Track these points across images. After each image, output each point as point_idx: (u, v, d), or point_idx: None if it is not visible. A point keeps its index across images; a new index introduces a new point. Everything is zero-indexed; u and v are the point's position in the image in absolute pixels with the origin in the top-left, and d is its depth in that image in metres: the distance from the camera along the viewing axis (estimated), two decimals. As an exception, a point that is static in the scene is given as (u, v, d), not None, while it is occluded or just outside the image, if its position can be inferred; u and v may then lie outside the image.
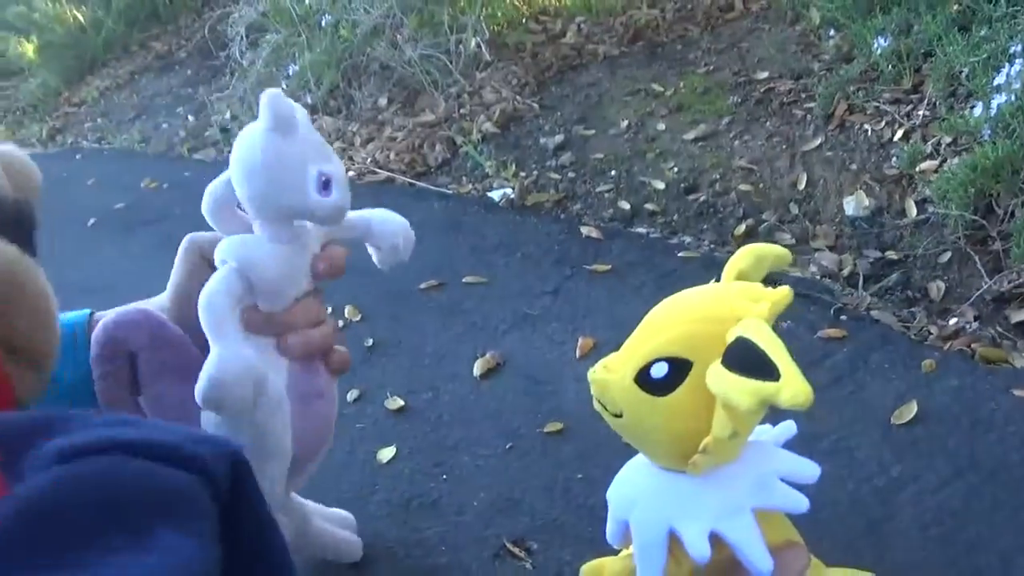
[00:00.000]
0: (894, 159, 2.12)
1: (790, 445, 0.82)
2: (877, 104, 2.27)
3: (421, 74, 3.03)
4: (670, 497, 0.73)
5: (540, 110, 2.83)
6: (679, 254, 2.05)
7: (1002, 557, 1.21)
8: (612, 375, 0.71)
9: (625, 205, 2.33)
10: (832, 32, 2.61)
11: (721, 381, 0.64)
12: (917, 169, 2.03)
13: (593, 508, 1.38)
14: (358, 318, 2.01)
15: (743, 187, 2.26)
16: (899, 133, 2.16)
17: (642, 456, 0.77)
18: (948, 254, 1.86)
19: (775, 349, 0.62)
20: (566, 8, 3.35)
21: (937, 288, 1.81)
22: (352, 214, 0.81)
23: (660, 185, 2.35)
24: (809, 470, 0.75)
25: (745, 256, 0.78)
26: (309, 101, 3.22)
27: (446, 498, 1.48)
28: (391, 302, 2.01)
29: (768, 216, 2.16)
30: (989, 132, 1.88)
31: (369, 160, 2.83)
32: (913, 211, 1.99)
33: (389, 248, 0.84)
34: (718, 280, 0.78)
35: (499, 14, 3.26)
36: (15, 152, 0.53)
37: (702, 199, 2.27)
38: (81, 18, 4.85)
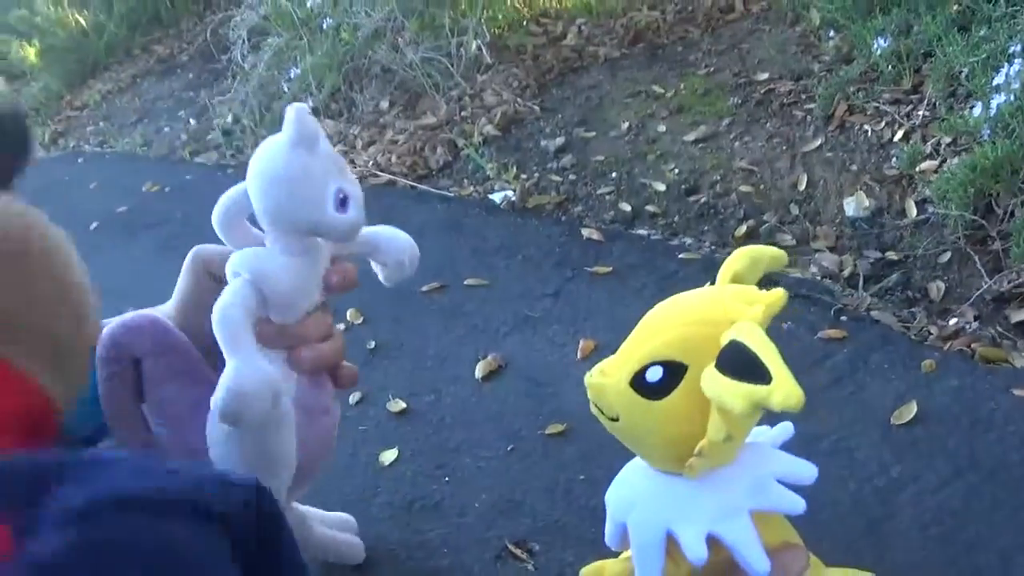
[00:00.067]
0: (894, 159, 2.12)
1: (789, 445, 0.82)
2: (877, 105, 2.27)
3: (422, 77, 3.03)
4: (667, 500, 0.74)
5: (541, 112, 2.84)
6: (680, 256, 2.05)
7: (1002, 556, 1.21)
8: (608, 379, 0.72)
9: (626, 207, 2.34)
10: (832, 33, 2.62)
11: (714, 384, 0.65)
12: (917, 169, 2.04)
13: (595, 509, 1.39)
14: (360, 321, 2.02)
15: (744, 188, 2.26)
16: (899, 133, 2.17)
17: (640, 459, 0.78)
18: (948, 254, 1.86)
19: (767, 353, 0.62)
20: (567, 10, 3.36)
21: (937, 288, 1.81)
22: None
23: (661, 187, 2.36)
24: (806, 471, 0.75)
25: (740, 258, 0.78)
26: (311, 104, 3.22)
27: (448, 500, 1.48)
28: (393, 305, 2.02)
29: (769, 217, 2.16)
30: (989, 132, 1.89)
31: (371, 163, 2.83)
32: (913, 211, 1.99)
33: (395, 264, 0.85)
34: (713, 283, 0.78)
35: (500, 16, 3.27)
36: None
37: (703, 200, 2.27)
38: (83, 22, 4.86)
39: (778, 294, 0.69)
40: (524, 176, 2.55)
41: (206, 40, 4.26)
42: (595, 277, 2.02)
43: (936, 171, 1.98)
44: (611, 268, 2.04)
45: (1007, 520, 1.26)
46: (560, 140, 2.67)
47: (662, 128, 2.58)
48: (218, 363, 0.79)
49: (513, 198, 2.45)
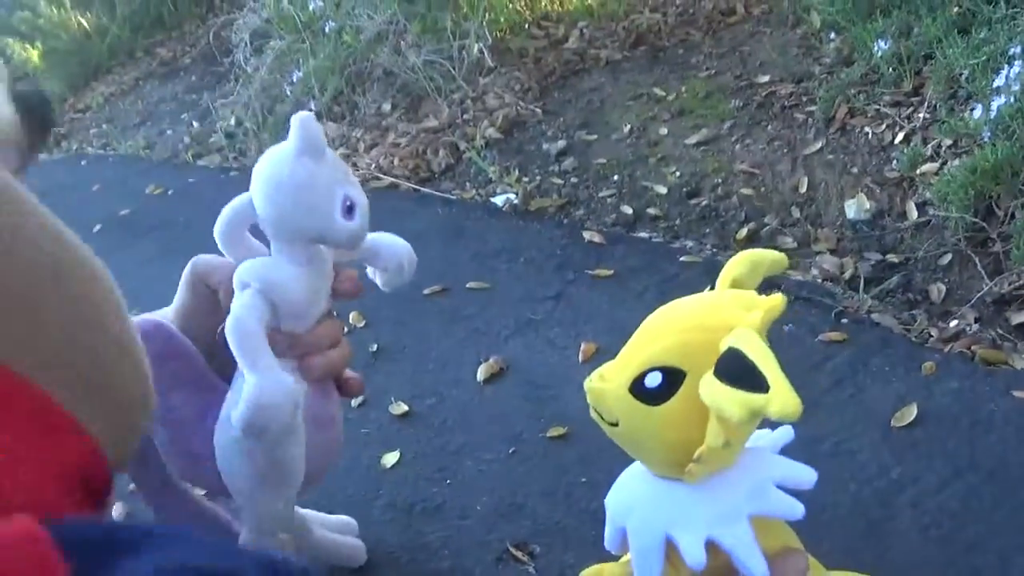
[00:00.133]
0: (895, 162, 2.13)
1: (790, 448, 0.82)
2: (878, 107, 2.28)
3: (424, 80, 3.04)
4: (666, 504, 0.74)
5: (543, 115, 2.84)
6: (681, 259, 2.06)
7: (1001, 557, 1.22)
8: (607, 384, 0.72)
9: (627, 210, 2.34)
10: (833, 35, 2.62)
11: (712, 392, 0.65)
12: (918, 172, 2.04)
13: (596, 512, 1.39)
14: (362, 324, 2.03)
15: (745, 191, 2.26)
16: (899, 136, 2.17)
17: (640, 464, 0.78)
18: (949, 256, 1.87)
19: (765, 360, 0.62)
20: (568, 13, 3.37)
21: (938, 290, 1.82)
22: None
23: (662, 190, 2.36)
24: (805, 476, 0.75)
25: (740, 263, 0.79)
26: (313, 107, 3.23)
27: (449, 503, 1.49)
28: (395, 308, 2.02)
29: (770, 220, 2.16)
30: (989, 134, 1.89)
31: (373, 166, 2.84)
32: (914, 213, 2.00)
33: (395, 269, 0.85)
34: (713, 287, 0.78)
35: (501, 19, 3.28)
36: None
37: (704, 203, 2.28)
38: (86, 24, 4.87)
39: (777, 300, 0.69)
40: (526, 179, 2.56)
41: (209, 43, 4.26)
42: (596, 280, 2.03)
43: (937, 173, 1.98)
44: (612, 271, 2.04)
45: (1007, 521, 1.26)
46: (562, 143, 2.68)
47: (663, 131, 2.58)
48: (222, 369, 0.80)
49: (515, 201, 2.46)
